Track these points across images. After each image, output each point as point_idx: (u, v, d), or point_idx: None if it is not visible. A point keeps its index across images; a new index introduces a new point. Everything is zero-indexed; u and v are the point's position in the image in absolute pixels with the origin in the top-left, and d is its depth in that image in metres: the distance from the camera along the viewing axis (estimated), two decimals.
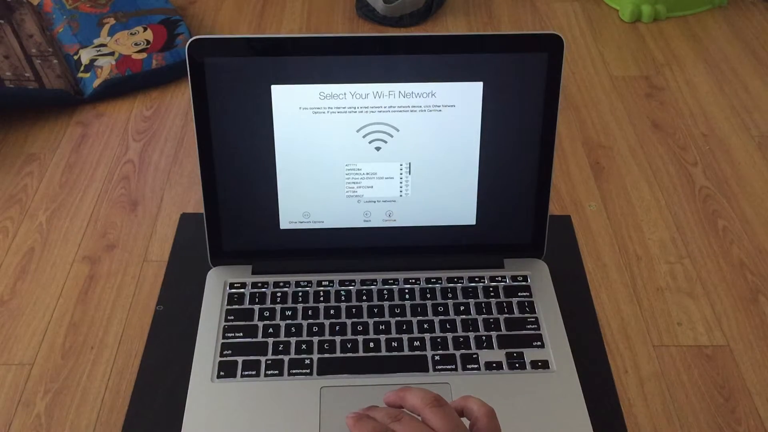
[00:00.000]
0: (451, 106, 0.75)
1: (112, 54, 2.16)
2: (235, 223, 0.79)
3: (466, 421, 0.57)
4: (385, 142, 0.76)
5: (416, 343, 0.74)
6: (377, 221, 0.80)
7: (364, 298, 0.78)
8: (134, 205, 1.78)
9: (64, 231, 1.71)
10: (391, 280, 0.80)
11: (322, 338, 0.74)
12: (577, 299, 0.81)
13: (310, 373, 0.71)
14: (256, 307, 0.77)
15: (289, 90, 0.74)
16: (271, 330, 0.75)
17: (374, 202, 0.79)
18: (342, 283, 0.79)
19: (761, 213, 1.77)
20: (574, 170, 1.89)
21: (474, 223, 0.80)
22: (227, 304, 0.78)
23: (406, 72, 0.74)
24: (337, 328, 0.75)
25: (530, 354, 0.73)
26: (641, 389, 1.40)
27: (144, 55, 2.15)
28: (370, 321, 0.76)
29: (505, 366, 0.72)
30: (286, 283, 0.79)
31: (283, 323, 0.76)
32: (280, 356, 0.73)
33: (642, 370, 1.43)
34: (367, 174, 0.77)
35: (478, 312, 0.77)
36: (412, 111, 0.75)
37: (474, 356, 0.73)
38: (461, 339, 0.74)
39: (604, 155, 1.94)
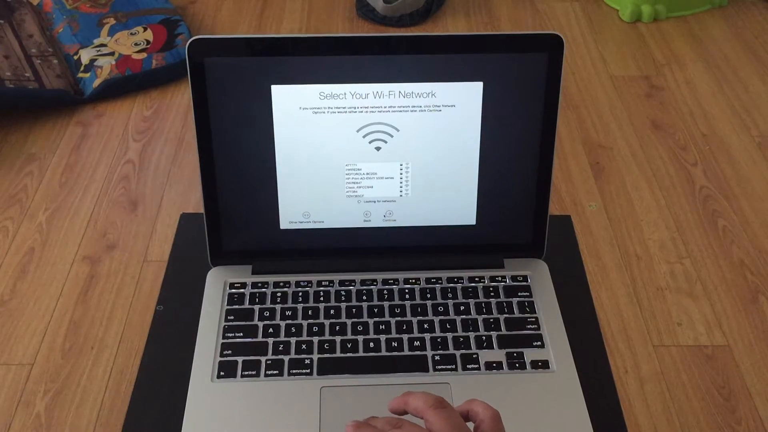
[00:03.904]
0: (451, 106, 0.75)
1: (112, 54, 2.16)
2: (235, 223, 0.79)
3: (471, 425, 0.57)
4: (385, 142, 0.76)
5: (416, 343, 0.74)
6: (377, 221, 0.80)
7: (364, 298, 0.78)
8: (134, 205, 1.78)
9: (64, 231, 1.71)
10: (391, 280, 0.80)
11: (322, 338, 0.74)
12: (577, 299, 0.81)
13: (310, 373, 0.71)
14: (256, 307, 0.77)
15: (289, 90, 0.74)
16: (271, 330, 0.75)
17: (374, 202, 0.79)
18: (342, 283, 0.79)
19: (761, 213, 1.77)
20: (574, 170, 1.89)
21: (474, 223, 0.80)
22: (227, 304, 0.78)
23: (406, 72, 0.74)
24: (337, 328, 0.75)
25: (530, 354, 0.73)
26: (641, 389, 1.40)
27: (144, 55, 2.15)
28: (370, 321, 0.76)
29: (505, 366, 0.72)
30: (286, 283, 0.79)
31: (283, 323, 0.76)
32: (280, 356, 0.73)
33: (642, 370, 1.43)
34: (367, 174, 0.77)
35: (478, 312, 0.77)
36: (412, 111, 0.75)
37: (474, 356, 0.73)
38: (461, 339, 0.74)
39: (604, 155, 1.94)
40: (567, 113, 2.08)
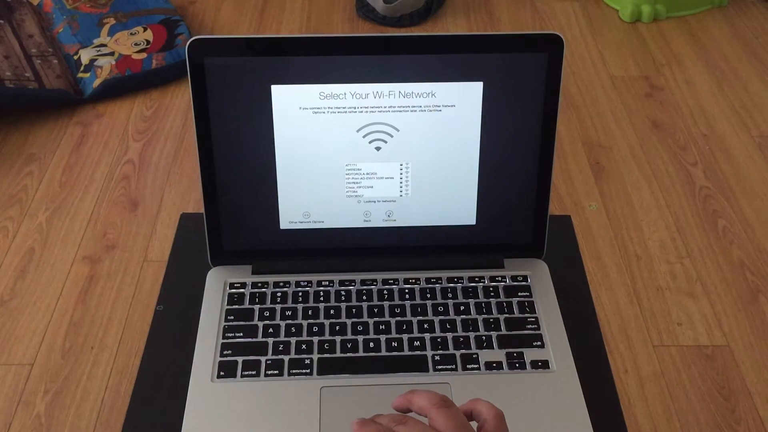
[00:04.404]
0: (451, 106, 0.75)
1: (112, 54, 2.16)
2: (235, 223, 0.79)
3: (474, 425, 0.57)
4: (385, 142, 0.76)
5: (416, 343, 0.74)
6: (377, 221, 0.80)
7: (364, 298, 0.78)
8: (134, 205, 1.78)
9: (64, 231, 1.71)
10: (391, 280, 0.80)
11: (322, 338, 0.74)
12: (577, 299, 0.81)
13: (310, 373, 0.71)
14: (256, 307, 0.77)
15: (289, 90, 0.74)
16: (271, 330, 0.75)
17: (374, 202, 0.79)
18: (342, 283, 0.79)
19: (761, 213, 1.77)
20: (574, 170, 1.89)
21: (474, 223, 0.80)
22: (227, 304, 0.78)
23: (406, 72, 0.74)
24: (337, 328, 0.75)
25: (530, 354, 0.73)
26: (641, 389, 1.40)
27: (144, 55, 2.15)
28: (370, 321, 0.76)
29: (505, 366, 0.72)
30: (286, 283, 0.79)
31: (283, 323, 0.76)
32: (280, 356, 0.73)
33: (642, 370, 1.43)
34: (367, 174, 0.77)
35: (478, 312, 0.77)
36: (412, 111, 0.75)
37: (474, 356, 0.73)
38: (461, 339, 0.74)
39: (604, 155, 1.94)
40: (567, 113, 2.08)
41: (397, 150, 0.76)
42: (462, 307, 0.77)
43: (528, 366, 0.72)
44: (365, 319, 0.76)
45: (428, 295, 0.78)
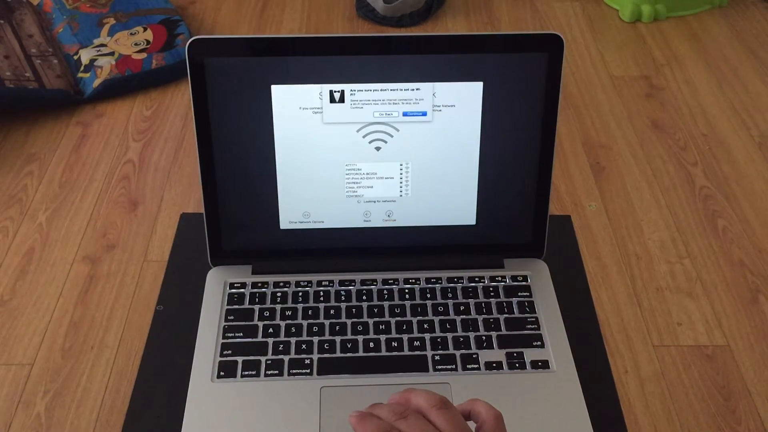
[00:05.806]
0: (451, 106, 0.75)
1: (112, 54, 2.16)
2: (235, 223, 0.79)
3: (472, 425, 0.57)
4: (385, 142, 0.76)
5: (416, 343, 0.74)
6: (377, 221, 0.80)
7: (364, 298, 0.78)
8: (134, 205, 1.78)
9: (64, 231, 1.71)
10: (391, 280, 0.80)
11: (322, 338, 0.74)
12: (577, 299, 0.81)
13: (310, 373, 0.71)
14: (256, 307, 0.77)
15: (289, 90, 0.74)
16: (271, 330, 0.75)
17: (374, 202, 0.79)
18: (342, 283, 0.79)
19: (761, 213, 1.77)
20: (574, 170, 1.89)
21: (474, 223, 0.80)
22: (227, 304, 0.78)
23: (406, 72, 0.74)
24: (337, 328, 0.75)
25: (530, 354, 0.73)
26: (641, 389, 1.40)
27: (144, 55, 2.15)
28: (370, 321, 0.76)
29: (505, 366, 0.72)
30: (286, 283, 0.79)
31: (283, 323, 0.76)
32: (280, 356, 0.73)
33: (642, 370, 1.43)
34: (367, 174, 0.77)
35: (478, 312, 0.77)
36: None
37: (474, 356, 0.73)
38: (461, 339, 0.74)
39: (604, 155, 1.94)
40: (567, 113, 2.08)
41: (397, 150, 0.76)
42: (462, 307, 0.77)
43: (528, 366, 0.72)
44: (365, 319, 0.76)
45: (428, 295, 0.78)
